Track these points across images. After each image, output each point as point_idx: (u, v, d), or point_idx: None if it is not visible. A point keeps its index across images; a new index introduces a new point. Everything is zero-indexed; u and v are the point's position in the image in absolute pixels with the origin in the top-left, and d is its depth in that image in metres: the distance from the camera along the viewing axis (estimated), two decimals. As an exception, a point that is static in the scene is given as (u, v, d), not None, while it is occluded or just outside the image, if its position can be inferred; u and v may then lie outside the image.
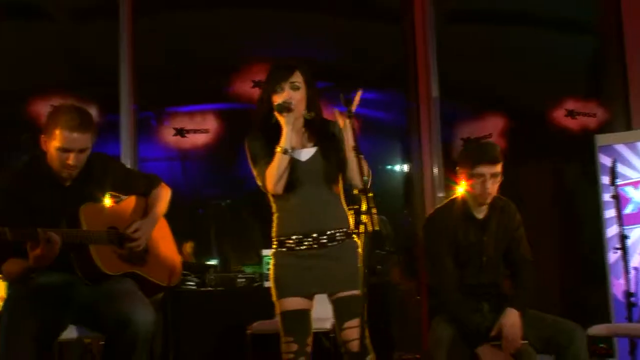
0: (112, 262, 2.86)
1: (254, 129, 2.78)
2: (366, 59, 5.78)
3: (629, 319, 3.56)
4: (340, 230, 2.73)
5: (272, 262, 2.79)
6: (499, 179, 3.12)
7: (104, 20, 5.32)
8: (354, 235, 2.79)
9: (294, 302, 2.71)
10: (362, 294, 2.42)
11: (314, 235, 2.70)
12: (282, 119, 2.65)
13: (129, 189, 3.09)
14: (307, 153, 2.74)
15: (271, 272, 2.78)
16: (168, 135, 5.46)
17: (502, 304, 3.14)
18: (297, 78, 2.71)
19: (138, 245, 2.95)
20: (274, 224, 2.79)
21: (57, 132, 2.72)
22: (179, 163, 6.02)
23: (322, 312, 2.93)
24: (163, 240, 3.16)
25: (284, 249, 2.74)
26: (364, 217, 2.38)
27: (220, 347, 4.27)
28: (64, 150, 2.74)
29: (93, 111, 2.95)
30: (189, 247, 5.46)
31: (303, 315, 2.73)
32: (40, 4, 5.46)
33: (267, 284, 4.39)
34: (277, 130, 2.68)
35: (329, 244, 2.70)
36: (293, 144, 2.68)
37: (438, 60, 5.24)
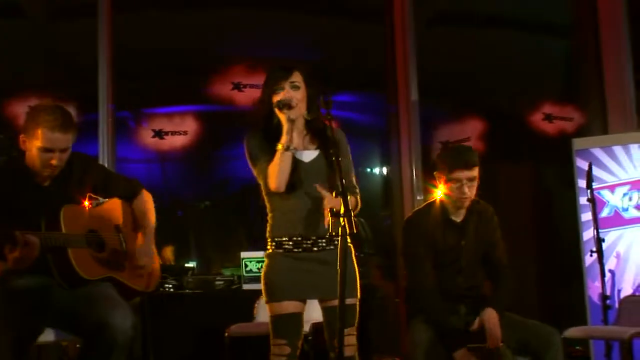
0: (91, 267, 2.83)
1: (253, 128, 2.77)
2: (348, 60, 5.78)
3: (605, 321, 3.59)
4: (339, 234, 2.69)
5: (265, 262, 2.75)
6: (475, 182, 3.14)
7: (82, 18, 5.26)
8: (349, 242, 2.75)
9: (289, 306, 2.67)
10: (340, 298, 2.41)
11: (313, 237, 2.69)
12: (282, 116, 2.65)
13: (109, 191, 3.07)
14: (309, 155, 2.73)
15: (264, 273, 2.73)
16: (147, 136, 5.41)
17: (480, 306, 3.16)
18: (297, 78, 2.72)
19: (144, 267, 3.01)
20: (270, 224, 2.76)
21: (39, 132, 2.71)
22: (158, 165, 5.98)
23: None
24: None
25: (280, 250, 2.71)
26: (342, 220, 2.39)
27: (198, 350, 4.24)
28: (46, 150, 2.73)
29: (71, 110, 2.93)
30: (169, 251, 5.42)
31: (297, 319, 2.70)
32: (17, 1, 5.39)
33: (245, 287, 4.38)
34: (278, 131, 2.67)
35: (327, 248, 2.69)
36: (295, 144, 2.68)
37: (417, 63, 5.26)
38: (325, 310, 2.72)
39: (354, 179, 2.83)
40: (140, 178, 3.29)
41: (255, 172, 2.75)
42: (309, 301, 2.75)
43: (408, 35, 5.23)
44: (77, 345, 3.46)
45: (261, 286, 2.74)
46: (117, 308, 2.70)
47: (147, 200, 3.15)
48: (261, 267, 4.29)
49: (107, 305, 2.71)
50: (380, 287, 5.18)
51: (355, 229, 2.39)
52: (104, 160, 4.83)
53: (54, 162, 2.74)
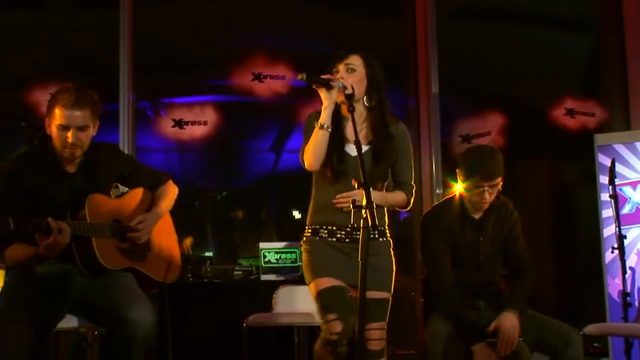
0: (113, 257, 2.84)
1: (316, 110, 2.74)
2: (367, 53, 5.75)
3: (625, 318, 3.57)
4: (377, 227, 2.67)
5: (303, 247, 2.75)
6: (497, 188, 3.11)
7: (103, 9, 5.28)
8: (388, 236, 2.79)
9: (331, 280, 2.62)
10: (361, 290, 2.40)
11: (347, 229, 2.68)
12: (322, 94, 2.63)
13: (136, 182, 3.08)
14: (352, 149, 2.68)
15: (304, 257, 2.74)
16: (167, 126, 5.43)
17: (499, 301, 3.15)
18: (355, 61, 2.70)
19: (139, 237, 2.93)
20: (310, 211, 2.77)
21: (56, 110, 2.75)
22: (177, 155, 6.01)
23: (312, 306, 2.86)
24: (165, 236, 3.15)
25: (316, 238, 2.72)
26: (364, 212, 2.38)
27: (216, 340, 4.26)
28: (63, 127, 2.75)
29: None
30: (188, 242, 5.45)
31: (342, 291, 2.63)
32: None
33: (263, 277, 4.39)
34: (336, 114, 2.67)
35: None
36: (347, 134, 2.68)
37: (438, 56, 5.23)
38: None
39: (409, 176, 2.80)
40: (160, 168, 3.31)
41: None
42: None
43: (430, 28, 5.20)
44: (96, 332, 3.49)
45: (303, 269, 2.73)
46: (138, 303, 2.71)
47: (168, 189, 3.15)
48: (280, 258, 4.37)
49: (128, 300, 2.71)
50: (396, 281, 5.17)
51: (380, 222, 2.38)
52: (124, 150, 4.85)
53: (69, 139, 2.75)
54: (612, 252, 3.75)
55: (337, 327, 2.55)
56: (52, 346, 3.33)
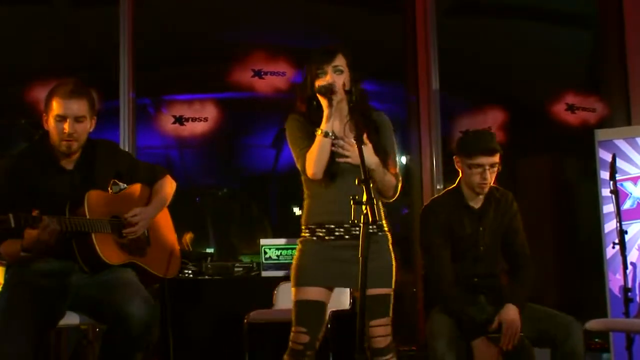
0: (113, 252, 2.84)
1: (295, 112, 2.73)
2: (366, 49, 5.75)
3: (626, 314, 3.56)
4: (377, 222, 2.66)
5: (298, 247, 2.74)
6: (496, 168, 3.12)
7: (104, 5, 5.28)
8: (386, 230, 2.77)
9: (312, 292, 2.64)
10: (362, 286, 2.39)
11: (346, 225, 2.66)
12: (324, 102, 2.62)
13: (133, 178, 3.08)
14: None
15: (295, 258, 2.72)
16: (167, 123, 5.43)
17: (500, 296, 3.15)
18: (340, 62, 2.67)
19: (134, 231, 2.92)
20: (305, 210, 2.74)
21: (54, 101, 2.76)
22: (177, 151, 6.00)
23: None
24: (164, 231, 3.15)
25: (313, 238, 2.69)
26: (364, 208, 2.37)
27: (217, 336, 4.26)
28: (60, 118, 2.76)
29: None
30: (188, 238, 5.45)
31: (319, 307, 2.66)
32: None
33: (264, 274, 4.39)
34: (318, 115, 2.64)
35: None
36: (336, 131, 2.64)
37: (438, 52, 5.22)
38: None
39: (392, 161, 2.78)
40: (160, 164, 3.30)
41: (294, 156, 2.72)
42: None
43: (429, 24, 5.19)
44: (97, 329, 3.50)
45: (290, 271, 2.72)
46: (138, 298, 2.70)
47: (165, 183, 3.15)
48: (280, 254, 4.38)
49: (128, 294, 2.71)
50: (397, 277, 5.17)
51: (378, 217, 2.37)
52: (124, 147, 4.85)
53: (66, 129, 2.75)
54: (613, 247, 3.74)
55: (304, 338, 2.61)
56: (53, 343, 3.34)
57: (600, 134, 4.68)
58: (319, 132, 2.61)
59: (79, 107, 2.77)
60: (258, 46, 5.44)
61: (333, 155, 2.65)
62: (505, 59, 5.76)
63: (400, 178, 2.81)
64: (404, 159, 5.86)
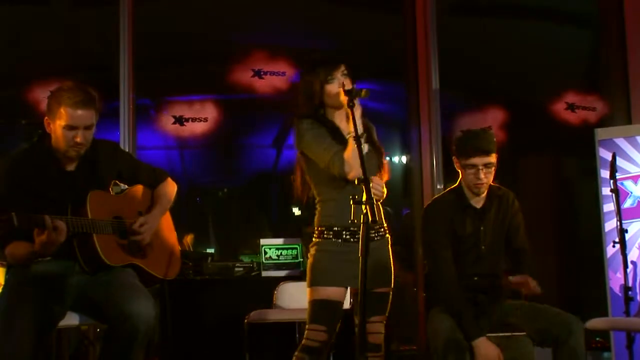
0: (115, 253, 2.85)
1: (307, 117, 2.79)
2: (366, 49, 5.75)
3: (627, 313, 3.56)
4: (382, 226, 2.82)
5: (314, 248, 2.79)
6: (493, 168, 3.12)
7: (104, 5, 5.27)
8: (386, 230, 2.86)
9: (334, 292, 2.72)
10: (361, 286, 2.40)
11: (352, 229, 2.73)
12: (344, 105, 2.66)
13: (135, 179, 3.09)
14: (365, 146, 2.75)
15: (311, 258, 2.79)
16: (167, 123, 5.43)
17: (501, 296, 3.15)
18: (344, 66, 2.80)
19: (142, 239, 2.96)
20: (319, 212, 2.81)
21: (62, 110, 2.73)
22: (177, 152, 6.01)
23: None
24: (165, 233, 3.16)
25: (329, 239, 2.76)
26: (363, 208, 2.38)
27: (217, 336, 4.27)
28: (70, 128, 2.75)
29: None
30: (189, 239, 5.46)
31: (338, 306, 2.74)
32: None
33: (264, 274, 4.39)
34: (323, 121, 2.77)
35: (375, 238, 2.77)
36: (345, 131, 2.74)
37: (439, 52, 5.22)
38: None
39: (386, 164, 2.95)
40: (160, 165, 3.31)
41: (319, 158, 2.75)
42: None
43: (429, 23, 5.18)
44: (98, 330, 3.50)
45: (308, 271, 2.78)
46: (139, 297, 2.71)
47: (168, 187, 3.16)
48: (280, 254, 4.38)
49: (129, 294, 2.72)
50: (399, 277, 5.17)
51: (378, 216, 2.38)
52: (124, 147, 4.85)
53: (78, 139, 2.76)
54: (614, 246, 3.74)
55: (322, 336, 2.69)
56: (53, 344, 3.34)
57: (601, 133, 4.68)
58: (350, 135, 2.65)
59: (89, 116, 2.78)
60: (258, 46, 5.44)
61: None
62: (505, 59, 5.76)
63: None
64: (404, 159, 5.87)
